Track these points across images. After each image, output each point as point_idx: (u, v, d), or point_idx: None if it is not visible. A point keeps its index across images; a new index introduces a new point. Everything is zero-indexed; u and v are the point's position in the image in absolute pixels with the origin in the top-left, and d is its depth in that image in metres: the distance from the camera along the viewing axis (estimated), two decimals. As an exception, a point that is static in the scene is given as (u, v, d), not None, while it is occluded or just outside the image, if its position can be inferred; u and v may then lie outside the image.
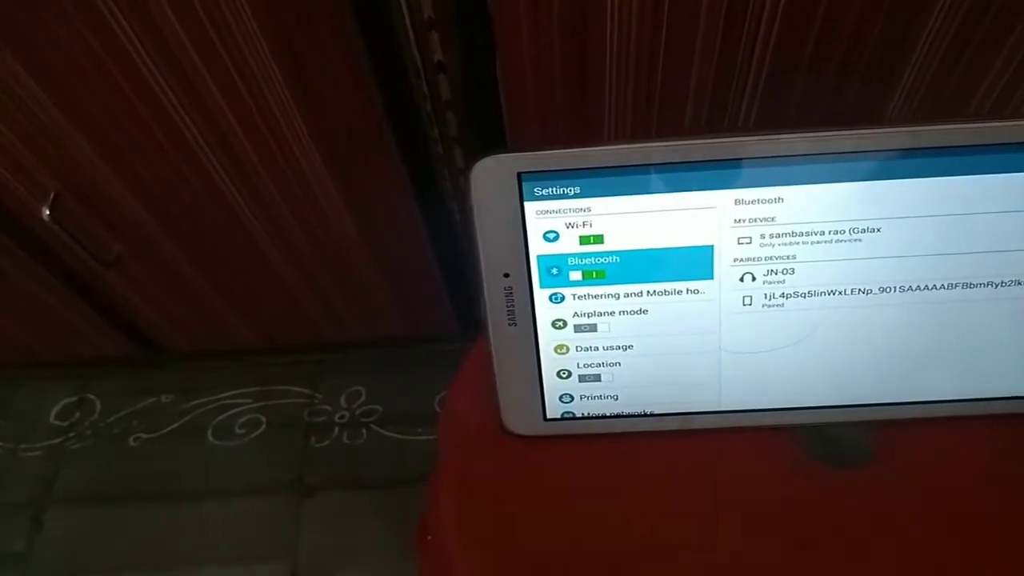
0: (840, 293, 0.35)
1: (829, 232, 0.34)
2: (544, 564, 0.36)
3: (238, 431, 0.74)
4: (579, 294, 0.35)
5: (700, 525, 0.37)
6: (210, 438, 0.74)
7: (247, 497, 0.70)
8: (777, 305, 0.35)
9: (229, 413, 0.75)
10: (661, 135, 0.31)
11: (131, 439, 0.75)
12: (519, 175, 0.33)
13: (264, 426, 0.75)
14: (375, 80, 0.45)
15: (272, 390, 0.77)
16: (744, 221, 0.34)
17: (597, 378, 0.37)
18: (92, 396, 0.78)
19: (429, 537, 0.39)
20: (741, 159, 0.33)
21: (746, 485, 0.38)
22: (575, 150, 0.33)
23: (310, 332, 0.73)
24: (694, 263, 0.35)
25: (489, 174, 0.33)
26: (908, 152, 0.32)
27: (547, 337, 0.36)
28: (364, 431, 0.75)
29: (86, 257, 0.62)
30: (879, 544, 0.36)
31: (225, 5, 0.41)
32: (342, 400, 0.75)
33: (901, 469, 0.37)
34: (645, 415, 0.38)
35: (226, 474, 0.72)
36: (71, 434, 0.77)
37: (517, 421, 0.38)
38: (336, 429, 0.74)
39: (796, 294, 0.35)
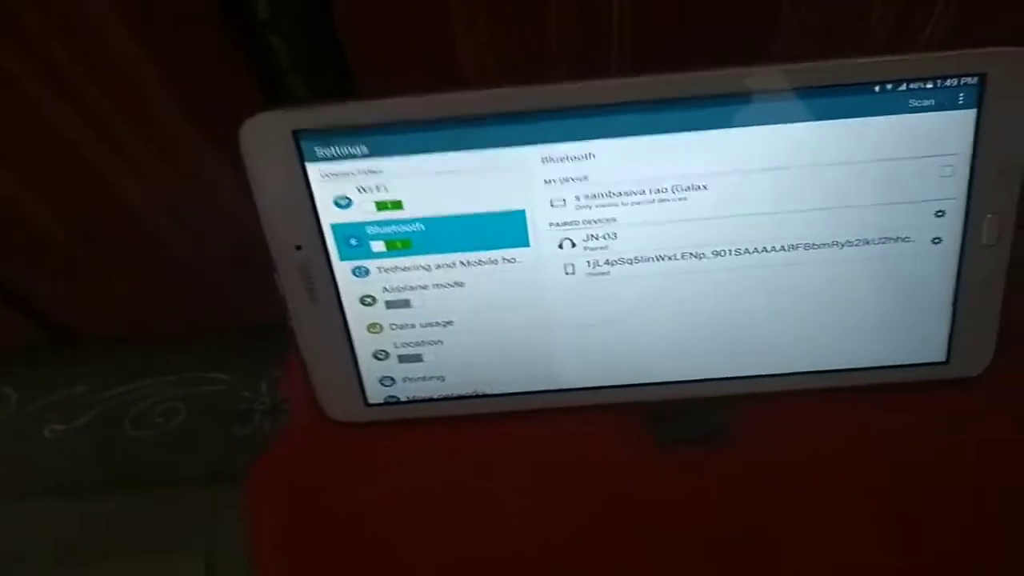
0: (670, 258, 0.29)
1: (649, 191, 0.28)
2: (364, 562, 0.31)
3: (156, 420, 0.67)
4: (385, 267, 0.30)
5: (540, 514, 0.33)
6: (127, 428, 0.67)
7: (166, 488, 0.63)
8: (602, 273, 0.30)
9: (147, 402, 0.68)
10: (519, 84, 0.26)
11: (46, 431, 0.68)
12: (295, 133, 0.27)
13: (184, 414, 0.68)
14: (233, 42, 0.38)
15: (191, 377, 0.70)
16: (555, 181, 0.28)
17: (418, 358, 0.32)
18: (8, 388, 0.71)
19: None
20: (543, 110, 0.27)
21: (591, 469, 0.33)
22: (355, 103, 0.28)
23: (225, 316, 0.66)
24: (507, 229, 0.29)
25: (261, 135, 0.28)
26: (731, 98, 0.27)
27: (356, 315, 0.31)
28: (285, 417, 0.67)
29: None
30: (735, 526, 0.32)
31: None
32: (262, 386, 0.69)
33: (758, 447, 0.32)
34: (476, 396, 0.33)
35: (144, 464, 0.66)
36: (-15, 426, 0.70)
37: (336, 407, 0.33)
38: (257, 416, 0.68)
39: (621, 260, 0.30)
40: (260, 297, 0.71)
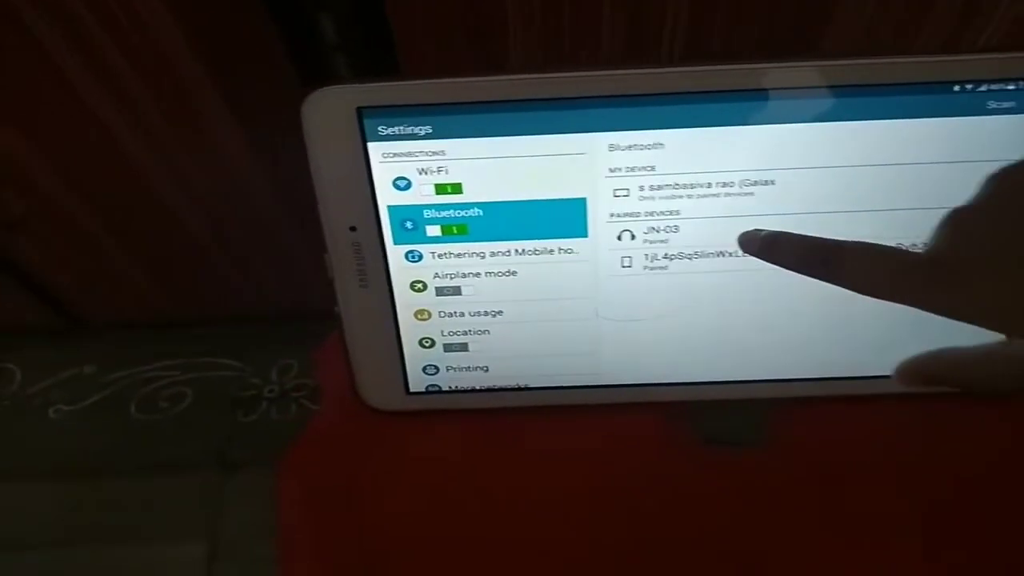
0: (730, 255, 0.27)
1: (716, 184, 0.26)
2: (397, 553, 0.28)
3: (162, 404, 0.63)
4: (439, 252, 0.28)
5: (577, 510, 0.31)
6: (133, 411, 0.63)
7: (168, 473, 0.60)
8: (660, 267, 0.27)
9: (154, 386, 0.65)
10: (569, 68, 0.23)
11: (51, 411, 0.64)
12: (359, 110, 0.25)
13: (190, 399, 0.64)
14: (272, 21, 0.36)
15: (199, 362, 0.66)
16: (620, 170, 0.26)
17: (464, 347, 0.30)
18: (12, 366, 0.67)
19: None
20: (614, 97, 0.25)
21: (628, 466, 0.31)
22: (423, 81, 0.25)
23: (237, 302, 0.63)
24: (566, 218, 0.27)
25: (324, 109, 0.25)
26: (806, 92, 0.25)
27: (405, 301, 0.29)
28: (293, 406, 0.64)
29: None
30: (768, 529, 0.30)
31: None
32: (272, 374, 0.65)
33: (796, 451, 0.30)
34: (519, 389, 0.31)
35: (148, 449, 0.62)
36: (-11, 404, 0.66)
37: (376, 395, 0.31)
38: (265, 403, 0.64)
39: (681, 255, 0.27)
40: (276, 286, 0.69)
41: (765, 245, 0.24)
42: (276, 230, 0.63)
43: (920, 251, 0.21)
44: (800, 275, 0.26)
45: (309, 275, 0.67)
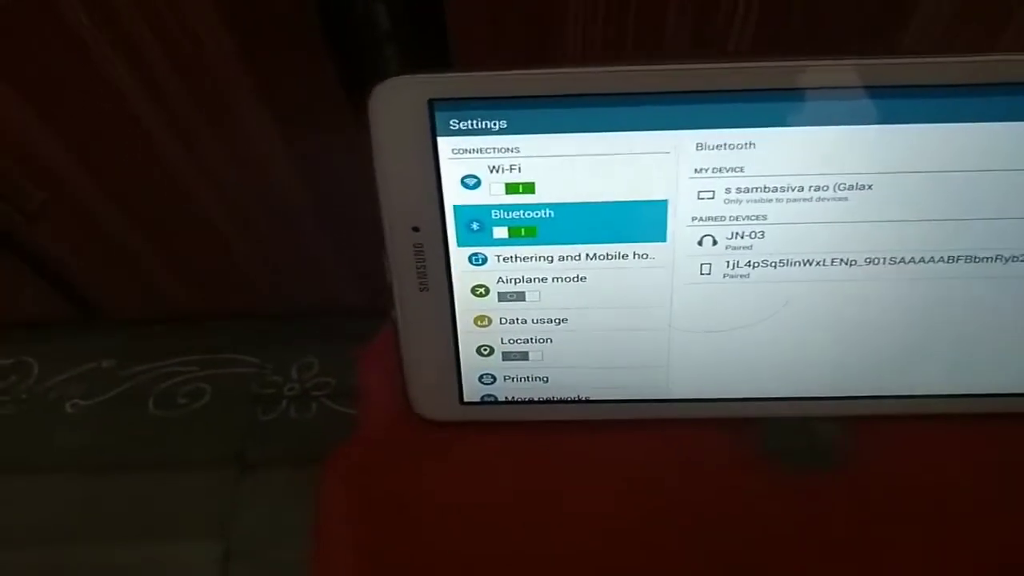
0: (818, 263, 0.25)
1: (809, 188, 0.24)
2: (443, 567, 0.26)
3: (180, 400, 0.61)
4: (504, 255, 0.25)
5: (639, 531, 0.29)
6: (151, 407, 0.61)
7: (185, 470, 0.57)
8: (741, 275, 0.25)
9: (172, 381, 0.62)
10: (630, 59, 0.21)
11: (68, 405, 0.62)
12: (430, 103, 0.22)
13: (208, 396, 0.62)
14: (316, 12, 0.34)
15: (219, 359, 0.64)
16: (706, 171, 0.24)
17: (524, 356, 0.27)
18: (29, 358, 0.65)
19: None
20: (705, 92, 0.23)
21: (695, 485, 0.29)
22: (500, 73, 0.23)
23: (259, 298, 0.61)
24: (644, 221, 0.25)
25: (393, 101, 0.23)
26: (911, 91, 0.22)
27: (465, 306, 0.26)
28: (314, 405, 0.62)
29: (6, 208, 0.50)
30: (843, 556, 0.28)
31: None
32: (293, 371, 0.63)
33: (877, 473, 0.28)
34: (580, 401, 0.29)
35: (165, 445, 0.60)
36: (5, 398, 0.64)
37: (428, 404, 0.28)
38: (284, 402, 0.61)
39: (765, 263, 0.25)
40: (297, 282, 0.66)
41: None
42: (300, 226, 0.60)
43: None
44: (895, 282, 0.23)
45: (332, 272, 0.64)
